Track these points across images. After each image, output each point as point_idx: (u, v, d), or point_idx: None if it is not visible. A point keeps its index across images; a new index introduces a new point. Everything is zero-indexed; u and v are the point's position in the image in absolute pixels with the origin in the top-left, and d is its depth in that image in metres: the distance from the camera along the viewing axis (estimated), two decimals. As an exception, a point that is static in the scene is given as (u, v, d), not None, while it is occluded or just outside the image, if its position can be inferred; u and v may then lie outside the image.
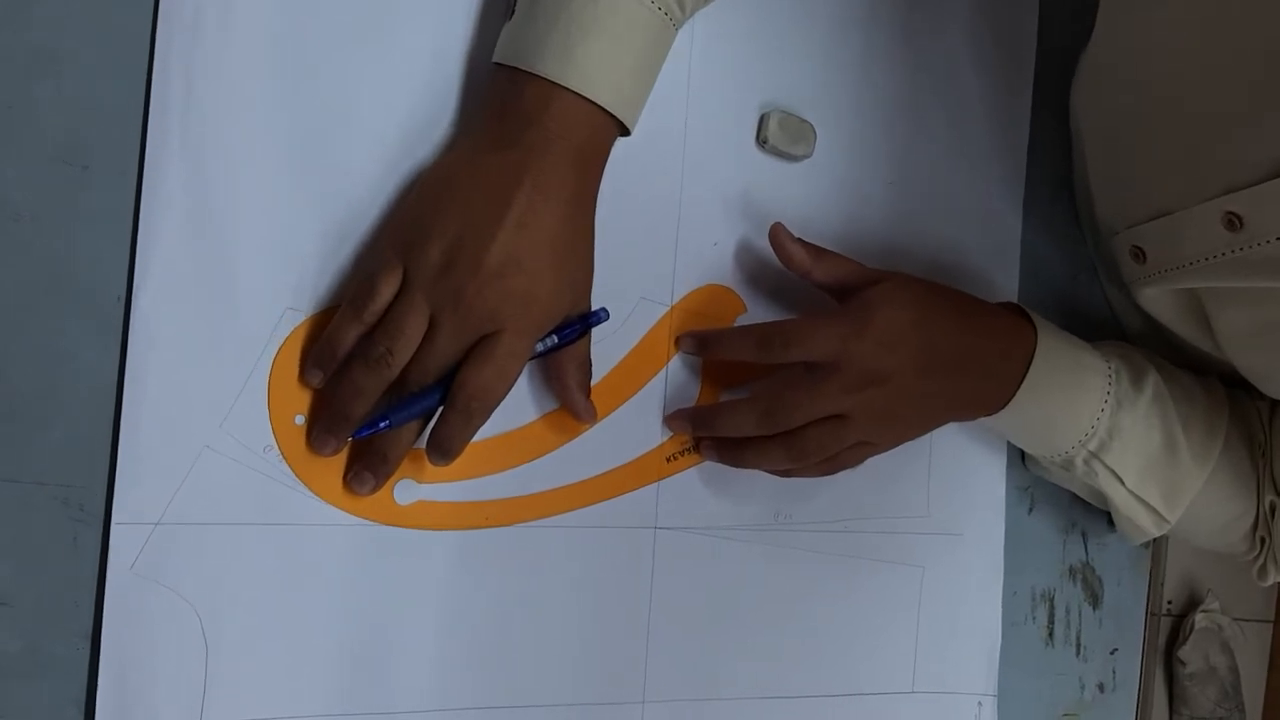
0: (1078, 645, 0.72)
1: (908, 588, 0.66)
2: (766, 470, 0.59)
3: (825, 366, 0.55)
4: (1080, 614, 0.72)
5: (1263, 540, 0.65)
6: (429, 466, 0.54)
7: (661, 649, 0.60)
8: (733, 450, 0.59)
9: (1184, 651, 1.22)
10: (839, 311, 0.58)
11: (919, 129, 0.66)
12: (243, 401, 0.52)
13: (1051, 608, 0.71)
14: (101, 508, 0.50)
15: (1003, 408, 0.60)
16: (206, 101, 0.51)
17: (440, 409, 0.52)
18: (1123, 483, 0.63)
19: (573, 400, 0.56)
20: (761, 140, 0.62)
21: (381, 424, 0.51)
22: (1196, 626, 1.23)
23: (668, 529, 0.60)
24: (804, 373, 0.57)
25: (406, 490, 0.55)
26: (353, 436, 0.51)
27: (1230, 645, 1.24)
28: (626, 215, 0.59)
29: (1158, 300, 0.62)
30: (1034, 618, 0.70)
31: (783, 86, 0.63)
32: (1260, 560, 0.66)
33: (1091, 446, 0.62)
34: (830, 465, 0.59)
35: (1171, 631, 1.23)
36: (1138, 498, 0.63)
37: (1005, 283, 0.69)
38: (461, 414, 0.51)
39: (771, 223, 0.59)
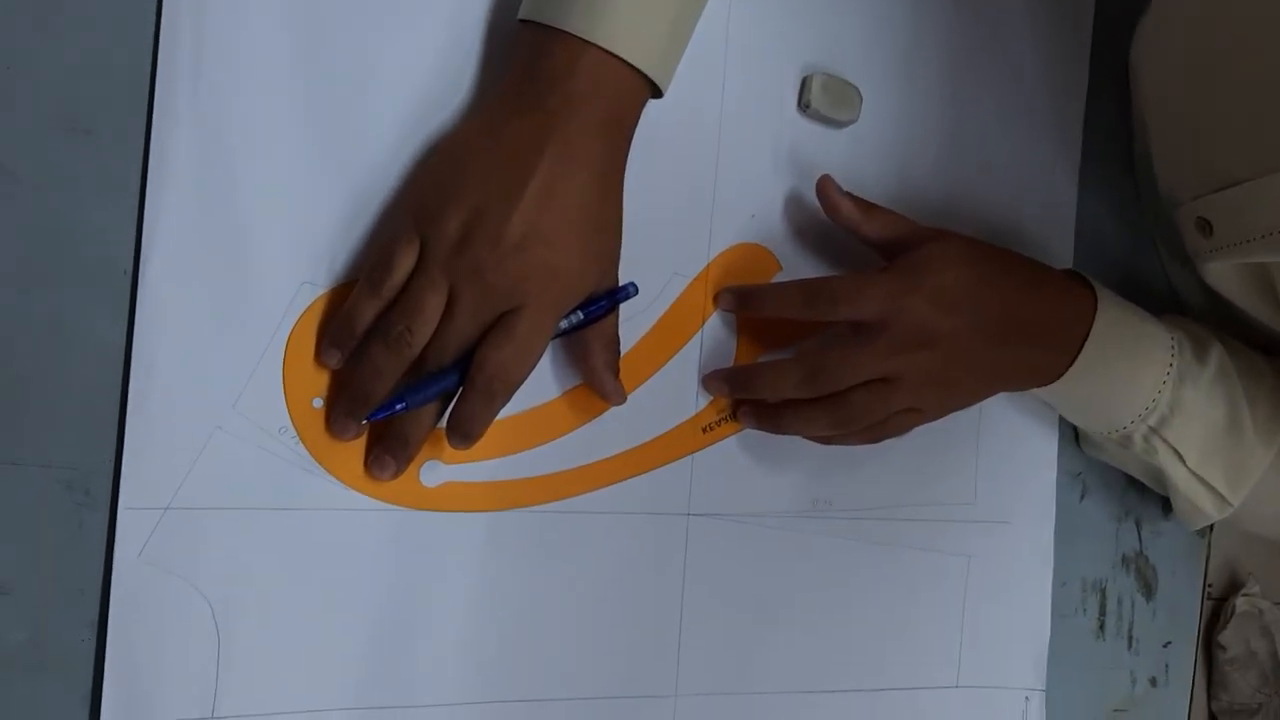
0: (1130, 638, 0.70)
1: (953, 578, 0.64)
2: (807, 436, 0.57)
3: (874, 326, 0.53)
4: (1133, 605, 0.70)
5: None
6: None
7: (694, 641, 0.58)
8: (773, 415, 0.57)
9: (1224, 636, 1.21)
10: (890, 268, 0.55)
11: (970, 94, 0.64)
12: (257, 380, 0.50)
13: (1103, 599, 0.69)
14: (108, 491, 0.48)
15: (1059, 377, 0.57)
16: (217, 63, 0.49)
17: (460, 389, 0.49)
18: (1184, 461, 0.60)
19: (600, 381, 0.54)
20: (804, 105, 0.59)
21: (398, 406, 0.49)
22: (1237, 611, 1.21)
23: (701, 516, 0.58)
24: (850, 332, 0.54)
25: (433, 472, 0.53)
26: (367, 419, 0.49)
27: (1271, 630, 1.23)
28: (659, 185, 0.56)
29: (1224, 275, 0.60)
30: (1084, 609, 0.69)
31: (826, 47, 0.60)
32: None
33: (1152, 421, 0.59)
34: (875, 433, 0.56)
35: (1211, 616, 1.22)
36: (1199, 478, 0.60)
37: (1060, 256, 0.67)
38: (482, 394, 0.49)
39: (818, 179, 0.57)
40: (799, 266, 0.60)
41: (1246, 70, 0.53)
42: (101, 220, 0.48)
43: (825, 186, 0.57)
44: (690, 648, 0.58)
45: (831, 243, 0.60)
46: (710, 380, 0.58)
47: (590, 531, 0.56)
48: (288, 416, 0.50)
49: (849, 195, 0.57)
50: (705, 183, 0.58)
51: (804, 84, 0.59)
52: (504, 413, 0.51)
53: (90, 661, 0.48)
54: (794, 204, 0.60)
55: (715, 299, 0.58)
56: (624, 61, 0.49)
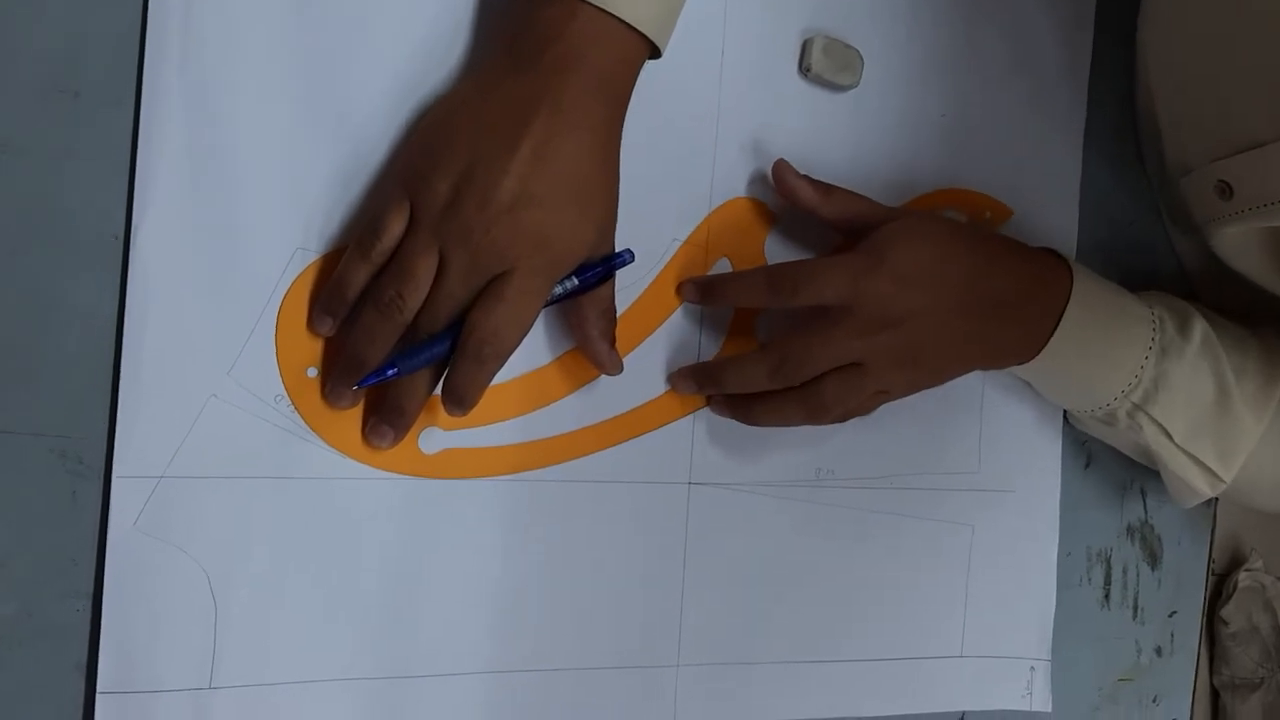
0: (1135, 607, 0.70)
1: (956, 547, 0.63)
2: (782, 425, 0.56)
3: (838, 309, 0.52)
4: (1138, 575, 0.70)
5: None
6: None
7: (696, 610, 0.58)
8: (745, 407, 0.56)
9: (1226, 611, 1.20)
10: (851, 250, 0.54)
11: (974, 57, 0.63)
12: (251, 347, 0.49)
13: (1108, 568, 0.69)
14: (101, 460, 0.47)
15: (1036, 355, 0.56)
16: (208, 24, 0.48)
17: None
18: (1171, 437, 0.59)
19: (594, 350, 0.53)
20: (804, 68, 0.58)
21: (390, 372, 0.48)
22: (1239, 586, 1.21)
23: (702, 484, 0.58)
24: (816, 317, 0.53)
25: (432, 438, 0.52)
26: (358, 385, 0.49)
27: (1273, 605, 1.22)
28: (657, 150, 0.56)
29: (1236, 241, 0.59)
30: (1090, 579, 0.68)
31: (827, 9, 0.59)
32: None
33: (1135, 398, 0.58)
34: (843, 416, 0.55)
35: (1214, 590, 1.21)
36: (1188, 454, 0.59)
37: (1064, 222, 0.66)
38: (473, 360, 0.48)
39: (774, 163, 0.56)
40: (796, 226, 0.59)
41: (1272, 30, 0.51)
42: (91, 185, 0.47)
43: (781, 170, 0.56)
44: (692, 617, 0.57)
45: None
46: (677, 379, 0.56)
47: (591, 500, 0.55)
48: (282, 384, 0.49)
49: (805, 178, 0.56)
50: (705, 148, 0.57)
51: (805, 47, 0.58)
52: (502, 377, 0.51)
53: (85, 632, 0.47)
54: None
55: (678, 290, 0.57)
56: (619, 20, 0.48)
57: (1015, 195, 0.64)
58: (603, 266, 0.51)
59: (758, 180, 0.58)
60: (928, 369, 0.56)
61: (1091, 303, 0.56)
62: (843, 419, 0.55)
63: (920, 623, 0.63)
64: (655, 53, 0.50)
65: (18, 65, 0.46)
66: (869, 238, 0.54)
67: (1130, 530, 0.69)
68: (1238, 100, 0.55)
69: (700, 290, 0.56)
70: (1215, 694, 1.06)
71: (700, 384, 0.56)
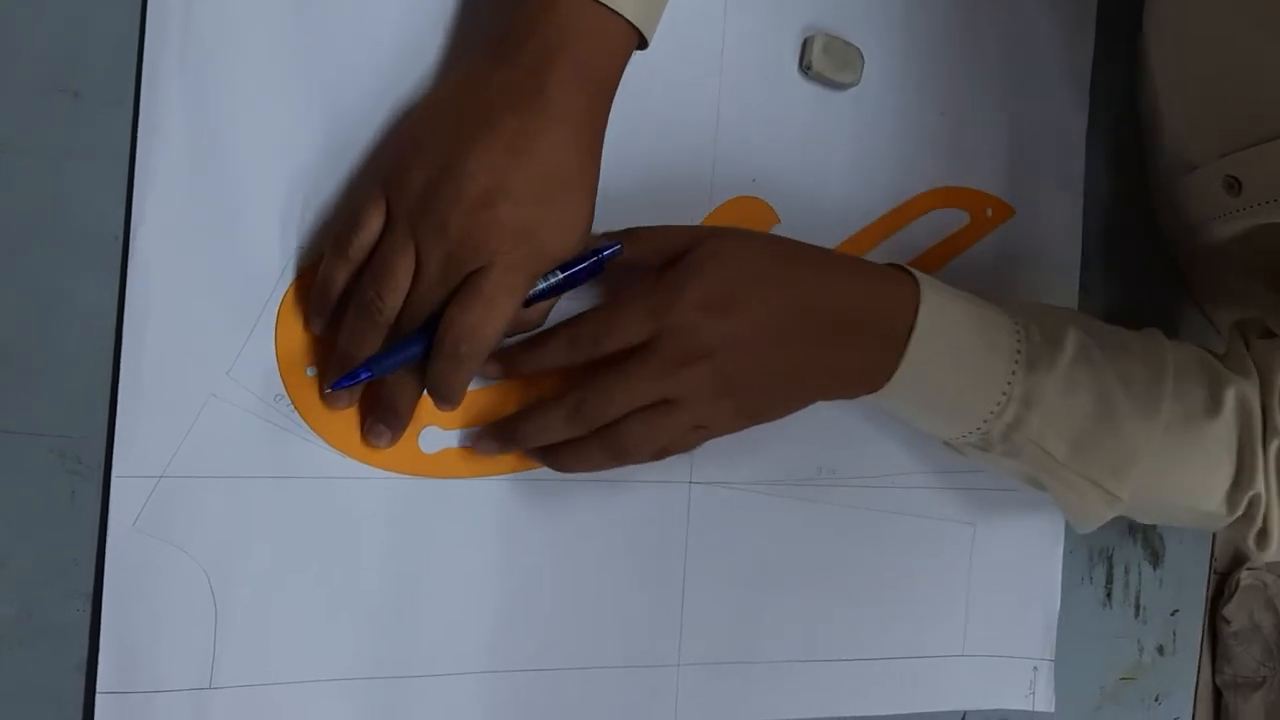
0: (1137, 606, 0.70)
1: (958, 546, 0.63)
2: (591, 471, 0.52)
3: (642, 347, 0.48)
4: (1140, 574, 0.69)
5: (1252, 501, 0.55)
6: (455, 413, 0.51)
7: (698, 610, 0.57)
8: (552, 454, 0.52)
9: (1228, 609, 1.20)
10: (652, 283, 0.49)
11: (975, 55, 0.63)
12: (251, 347, 0.49)
13: (1110, 567, 0.68)
14: (101, 460, 0.47)
15: (886, 381, 0.51)
16: (207, 23, 0.48)
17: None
18: (1053, 457, 0.53)
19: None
20: (805, 66, 0.58)
21: (362, 375, 0.47)
22: (1241, 584, 1.20)
23: (703, 484, 0.57)
24: (622, 356, 0.49)
25: (432, 438, 0.52)
26: (331, 389, 0.48)
27: (1275, 603, 1.22)
28: (656, 147, 0.55)
29: (1238, 240, 0.58)
30: (1091, 578, 0.68)
31: (828, 7, 0.59)
32: (1258, 524, 0.56)
33: (1007, 418, 0.52)
34: (656, 455, 0.51)
35: (1216, 589, 1.21)
36: (1076, 473, 0.53)
37: (1067, 220, 0.65)
38: (449, 357, 0.46)
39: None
40: (798, 224, 0.58)
41: (1275, 23, 0.50)
42: (91, 185, 0.47)
43: None
44: (693, 616, 0.57)
45: (834, 207, 0.59)
46: (478, 442, 0.52)
47: (592, 500, 0.55)
48: (282, 384, 0.49)
49: (601, 237, 0.52)
50: (705, 147, 0.57)
51: (805, 45, 0.58)
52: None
53: (85, 633, 0.47)
54: (796, 168, 0.58)
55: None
56: (605, 6, 0.46)
57: (1017, 194, 0.64)
58: (590, 260, 0.50)
59: (758, 179, 0.58)
60: (750, 402, 0.51)
61: (944, 317, 0.51)
62: (657, 458, 0.51)
63: (922, 622, 0.62)
64: (642, 43, 0.49)
65: (17, 65, 0.46)
66: (672, 267, 0.50)
67: (1132, 529, 0.69)
68: (1247, 94, 0.54)
69: (501, 367, 0.52)
70: (1218, 693, 1.06)
71: (502, 443, 0.52)
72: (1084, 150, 0.66)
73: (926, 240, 0.62)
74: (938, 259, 0.62)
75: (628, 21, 0.47)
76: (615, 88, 0.49)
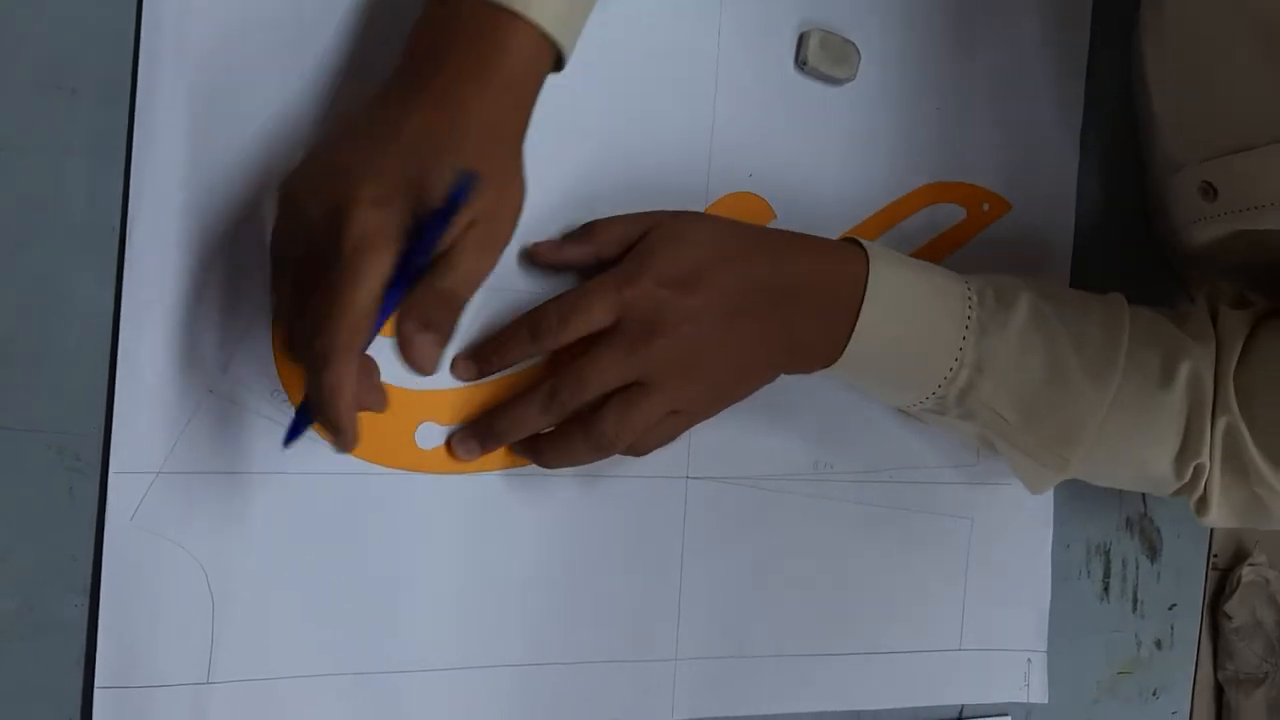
0: (1134, 600, 0.70)
1: (954, 541, 0.63)
2: (575, 464, 0.53)
3: (609, 329, 0.49)
4: (1138, 568, 0.70)
5: (1197, 469, 0.56)
6: (452, 409, 0.52)
7: (694, 604, 0.58)
8: (535, 448, 0.52)
9: (1230, 606, 1.20)
10: (614, 267, 0.51)
11: (970, 51, 0.63)
12: (247, 343, 0.49)
13: (1107, 561, 0.69)
14: (99, 456, 0.47)
15: (841, 351, 0.52)
16: (203, 19, 0.48)
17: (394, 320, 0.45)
18: (1006, 420, 0.54)
19: (405, 346, 0.45)
20: (801, 61, 0.58)
21: (303, 426, 0.45)
22: (1243, 580, 1.20)
23: (700, 479, 0.58)
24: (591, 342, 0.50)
25: (429, 434, 0.52)
26: (284, 447, 0.46)
27: (1277, 599, 1.22)
28: (654, 144, 0.56)
29: (1214, 245, 0.58)
30: (1089, 572, 0.68)
31: (824, 3, 0.59)
32: (1200, 492, 0.57)
33: (960, 384, 0.53)
34: (640, 446, 0.52)
35: (1217, 585, 1.21)
36: (1027, 437, 0.54)
37: (1060, 216, 0.66)
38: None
39: (531, 250, 0.52)
40: (795, 219, 0.59)
41: (1261, 34, 0.50)
42: (88, 183, 0.47)
43: (539, 254, 0.52)
44: (690, 611, 0.57)
45: (830, 202, 0.59)
46: (456, 444, 0.52)
47: (590, 494, 0.55)
48: (279, 380, 0.49)
49: (563, 240, 0.53)
50: (701, 142, 0.57)
51: (801, 40, 0.58)
52: (501, 374, 0.51)
53: (83, 629, 0.47)
54: (792, 163, 0.59)
55: (452, 367, 0.52)
56: (523, 17, 0.44)
57: (1011, 190, 0.64)
58: (448, 204, 0.43)
59: (755, 174, 0.58)
60: (718, 379, 0.52)
61: (893, 286, 0.52)
62: (639, 452, 0.52)
63: (919, 616, 0.63)
64: (559, 63, 0.47)
65: (14, 62, 0.46)
66: (633, 249, 0.51)
67: (1129, 523, 0.69)
68: (1227, 103, 0.55)
69: (472, 360, 0.52)
70: (1218, 688, 1.06)
71: (481, 442, 0.52)
72: (1079, 145, 0.66)
73: (923, 235, 0.62)
74: (934, 254, 0.62)
75: (550, 38, 0.46)
76: (534, 105, 0.47)
